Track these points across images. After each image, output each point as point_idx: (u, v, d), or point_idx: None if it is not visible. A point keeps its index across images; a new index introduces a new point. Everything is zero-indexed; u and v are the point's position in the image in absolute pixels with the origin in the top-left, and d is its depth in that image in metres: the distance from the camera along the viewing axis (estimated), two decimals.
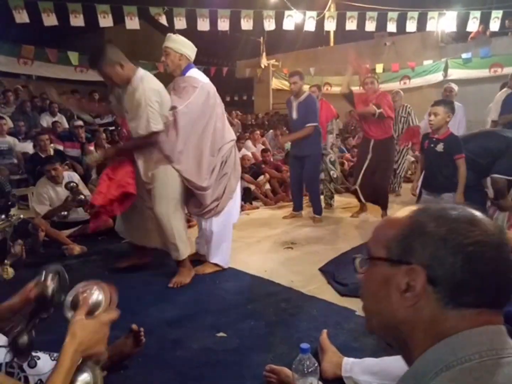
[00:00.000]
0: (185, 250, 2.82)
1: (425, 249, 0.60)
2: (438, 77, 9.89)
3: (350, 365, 1.60)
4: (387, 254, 0.65)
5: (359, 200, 4.60)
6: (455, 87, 4.93)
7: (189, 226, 3.88)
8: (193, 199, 2.88)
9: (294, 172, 4.65)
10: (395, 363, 1.08)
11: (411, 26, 8.92)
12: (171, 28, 8.26)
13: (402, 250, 0.63)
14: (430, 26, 8.96)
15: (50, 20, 7.40)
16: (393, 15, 8.86)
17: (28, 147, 5.50)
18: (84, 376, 0.88)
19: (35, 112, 6.87)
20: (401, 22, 8.91)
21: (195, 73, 2.85)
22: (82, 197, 3.82)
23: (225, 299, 2.56)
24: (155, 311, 2.38)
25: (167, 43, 2.81)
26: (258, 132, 7.21)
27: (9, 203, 2.15)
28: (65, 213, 3.77)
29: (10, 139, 5.48)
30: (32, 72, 9.78)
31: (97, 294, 0.95)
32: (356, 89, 5.26)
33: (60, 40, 10.44)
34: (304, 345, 1.38)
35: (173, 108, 2.67)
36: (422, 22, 8.99)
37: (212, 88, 2.88)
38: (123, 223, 3.04)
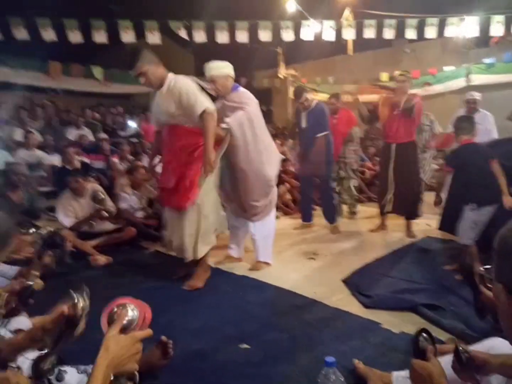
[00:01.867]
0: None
1: None
2: (460, 83, 9.70)
3: (402, 377, 1.55)
4: None
5: (382, 213, 4.44)
6: (477, 96, 4.79)
7: None
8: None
9: (305, 183, 4.59)
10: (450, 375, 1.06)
11: (430, 32, 8.80)
12: (190, 41, 8.43)
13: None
14: (451, 31, 8.82)
15: (75, 37, 7.66)
16: (412, 22, 8.77)
17: (55, 160, 5.68)
18: None
19: (61, 126, 7.11)
20: (421, 29, 8.81)
21: (245, 91, 3.18)
22: (110, 208, 3.97)
23: (248, 310, 2.56)
24: (179, 321, 2.40)
25: (210, 72, 3.04)
26: (278, 141, 7.22)
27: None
28: (94, 223, 3.88)
29: (39, 152, 5.67)
30: (58, 86, 10.13)
31: (132, 311, 0.97)
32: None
33: (84, 55, 10.78)
34: (329, 358, 1.36)
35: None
36: (442, 28, 8.87)
37: None
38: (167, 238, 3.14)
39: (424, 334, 1.18)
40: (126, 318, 0.95)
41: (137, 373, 0.95)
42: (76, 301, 1.03)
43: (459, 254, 3.11)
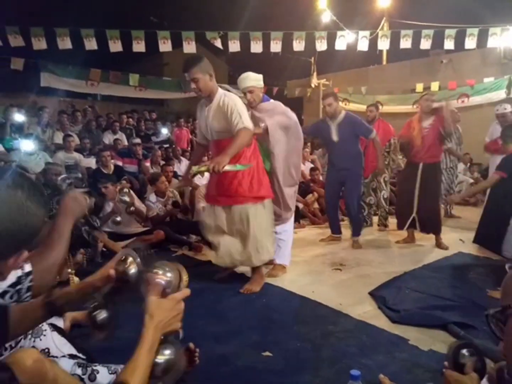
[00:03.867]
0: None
1: None
2: (500, 95, 9.34)
3: None
4: None
5: (400, 228, 4.38)
6: (507, 108, 4.66)
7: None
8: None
9: (330, 191, 4.43)
10: None
11: (470, 43, 8.55)
12: (225, 51, 8.61)
13: None
14: (492, 42, 8.53)
15: (115, 46, 8.01)
16: (450, 32, 8.57)
17: (91, 162, 5.91)
18: (168, 351, 0.96)
19: (99, 130, 7.40)
20: (460, 39, 8.58)
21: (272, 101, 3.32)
22: (133, 208, 4.12)
23: (271, 318, 2.54)
24: (203, 324, 2.42)
25: (248, 82, 3.18)
26: (307, 149, 7.16)
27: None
28: (119, 218, 3.95)
29: (76, 155, 5.92)
30: (97, 92, 10.59)
31: (168, 274, 1.00)
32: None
33: (122, 63, 11.24)
34: (355, 372, 1.34)
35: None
36: (482, 39, 8.60)
37: None
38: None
39: (466, 349, 1.14)
40: (164, 281, 0.99)
41: (181, 330, 1.00)
42: (124, 258, 1.07)
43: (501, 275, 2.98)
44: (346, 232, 4.53)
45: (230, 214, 2.97)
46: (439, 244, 4.19)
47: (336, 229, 4.53)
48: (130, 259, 1.09)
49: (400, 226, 4.43)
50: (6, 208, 0.72)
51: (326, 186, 4.62)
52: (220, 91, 2.93)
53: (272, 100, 3.34)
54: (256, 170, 2.96)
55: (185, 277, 1.05)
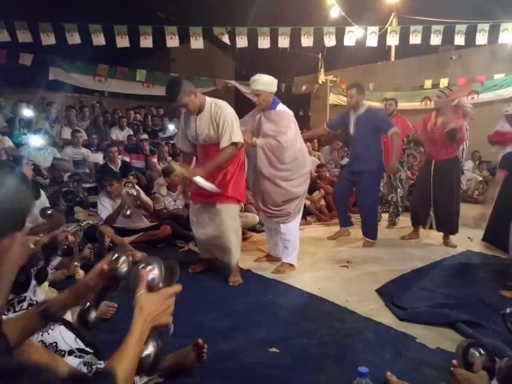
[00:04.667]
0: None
1: None
2: (511, 91, 9.22)
3: None
4: None
5: (415, 224, 4.36)
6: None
7: (245, 239, 4.17)
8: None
9: (341, 184, 4.38)
10: None
11: (481, 38, 8.43)
12: (232, 47, 8.57)
13: None
14: (503, 38, 8.40)
15: (123, 42, 8.02)
16: (461, 27, 8.44)
17: (99, 158, 5.94)
18: (155, 343, 1.00)
19: (106, 126, 7.43)
20: (470, 35, 8.46)
21: (283, 107, 3.27)
22: (139, 202, 4.15)
23: (277, 314, 2.54)
24: (209, 320, 2.43)
25: (257, 86, 3.17)
26: (309, 144, 6.93)
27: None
28: (128, 212, 3.96)
29: (84, 150, 5.96)
30: (104, 89, 10.61)
31: (153, 270, 1.03)
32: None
33: (129, 59, 11.26)
34: (363, 369, 1.33)
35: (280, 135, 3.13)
36: (493, 34, 8.47)
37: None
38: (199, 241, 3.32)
39: (476, 348, 1.13)
40: (153, 276, 1.01)
41: (171, 324, 1.02)
42: (116, 257, 1.10)
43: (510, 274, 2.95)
44: (353, 231, 4.51)
45: (211, 211, 3.09)
46: (446, 243, 4.15)
47: (345, 221, 4.45)
48: (123, 258, 1.11)
49: (415, 223, 4.39)
50: (5, 189, 0.80)
51: (338, 180, 4.57)
52: (208, 99, 2.97)
53: (280, 108, 3.26)
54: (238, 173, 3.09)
55: (176, 273, 1.09)
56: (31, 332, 1.11)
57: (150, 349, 0.99)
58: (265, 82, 3.18)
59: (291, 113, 3.32)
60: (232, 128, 2.89)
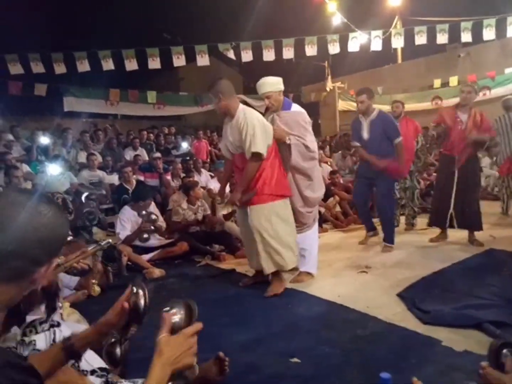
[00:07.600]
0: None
1: None
2: None
3: None
4: None
5: (441, 226, 4.22)
6: None
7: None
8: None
9: (359, 187, 4.31)
10: None
11: (488, 34, 8.32)
12: (238, 61, 8.70)
13: None
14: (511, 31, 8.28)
15: (131, 65, 8.25)
16: (467, 24, 8.37)
17: (114, 179, 6.05)
18: None
19: (120, 148, 7.58)
20: (477, 31, 8.38)
21: (297, 107, 3.30)
22: (159, 224, 4.19)
23: (297, 324, 2.51)
24: (229, 333, 2.41)
25: (264, 88, 3.18)
26: (321, 151, 6.95)
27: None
28: (147, 235, 4.05)
29: (100, 172, 6.08)
30: (117, 112, 10.88)
31: (176, 313, 1.02)
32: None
33: (139, 80, 11.54)
34: (385, 375, 1.30)
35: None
36: (501, 29, 8.36)
37: None
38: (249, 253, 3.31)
39: (508, 348, 1.10)
40: (173, 321, 0.99)
41: (196, 365, 1.00)
42: (135, 291, 1.10)
43: None
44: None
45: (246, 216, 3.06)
46: (472, 241, 4.02)
47: (370, 226, 4.36)
48: (141, 292, 1.11)
49: (434, 223, 4.29)
50: (46, 218, 0.83)
51: (354, 185, 4.52)
52: (241, 107, 3.01)
53: (293, 107, 3.28)
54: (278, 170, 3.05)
55: (195, 312, 1.06)
56: (56, 369, 1.11)
57: None
58: (271, 83, 3.18)
59: (304, 113, 3.31)
60: (253, 137, 2.85)
